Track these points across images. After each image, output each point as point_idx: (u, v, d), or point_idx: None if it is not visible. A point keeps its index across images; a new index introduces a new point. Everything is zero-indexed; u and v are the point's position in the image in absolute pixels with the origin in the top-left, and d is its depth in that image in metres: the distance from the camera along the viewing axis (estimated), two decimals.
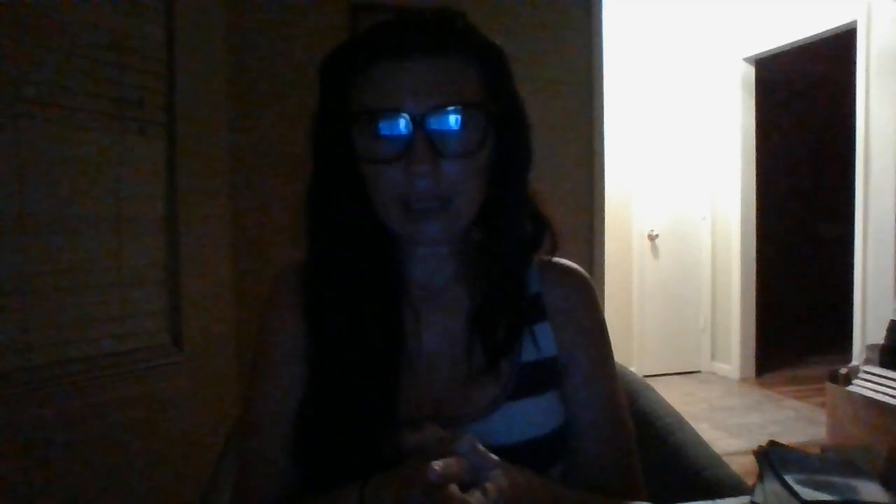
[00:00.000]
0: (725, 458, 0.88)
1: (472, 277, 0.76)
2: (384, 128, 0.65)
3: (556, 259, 0.80)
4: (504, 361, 0.73)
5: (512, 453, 0.63)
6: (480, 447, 0.56)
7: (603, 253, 2.44)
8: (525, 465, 0.63)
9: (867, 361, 3.03)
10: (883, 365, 2.91)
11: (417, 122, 0.64)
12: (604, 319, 0.80)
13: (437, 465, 0.52)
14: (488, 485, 0.55)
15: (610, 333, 0.80)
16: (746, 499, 0.63)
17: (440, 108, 0.65)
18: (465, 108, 0.66)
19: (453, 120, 0.65)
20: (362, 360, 0.69)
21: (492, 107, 0.68)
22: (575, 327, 0.77)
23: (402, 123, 0.64)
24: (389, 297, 0.73)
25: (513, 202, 0.73)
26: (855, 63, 3.50)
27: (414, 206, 0.66)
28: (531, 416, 0.72)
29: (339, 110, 0.69)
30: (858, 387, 2.94)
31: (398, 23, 0.68)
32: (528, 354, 0.75)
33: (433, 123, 0.64)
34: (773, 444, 0.68)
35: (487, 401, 0.71)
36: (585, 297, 0.79)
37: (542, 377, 0.74)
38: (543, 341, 0.76)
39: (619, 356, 0.81)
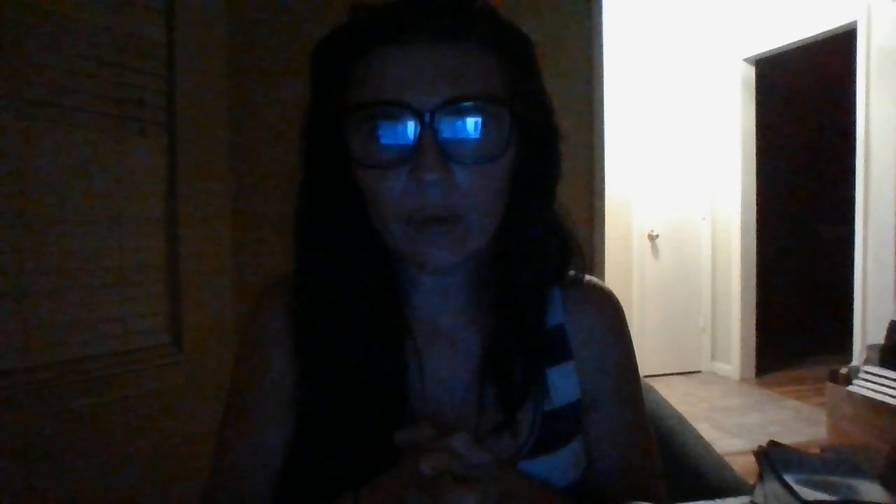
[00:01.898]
0: (725, 458, 0.88)
1: (484, 313, 0.64)
2: (385, 126, 0.54)
3: (580, 279, 0.68)
4: (522, 412, 0.61)
5: None
6: (474, 443, 0.51)
7: (603, 253, 2.44)
8: None
9: (867, 361, 3.03)
10: (883, 365, 2.91)
11: (426, 120, 0.52)
12: (633, 348, 0.70)
13: (430, 457, 0.48)
14: (481, 480, 0.49)
15: None
16: (746, 499, 0.63)
17: (454, 103, 0.53)
18: (484, 104, 0.54)
19: (470, 118, 0.54)
20: (357, 408, 0.59)
21: (515, 104, 0.56)
22: (602, 362, 0.67)
23: (407, 121, 0.53)
24: (389, 335, 0.61)
25: (535, 222, 0.61)
26: (855, 63, 3.50)
27: (419, 224, 0.55)
28: (550, 474, 0.61)
29: (332, 105, 0.57)
30: (858, 387, 2.94)
31: (402, 3, 0.56)
32: (550, 402, 0.63)
33: (445, 121, 0.53)
34: (773, 444, 0.68)
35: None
36: (614, 325, 0.68)
37: (564, 427, 0.64)
38: (566, 385, 0.64)
39: None
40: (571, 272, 0.67)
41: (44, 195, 1.46)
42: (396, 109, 0.53)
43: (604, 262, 2.45)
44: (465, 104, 0.53)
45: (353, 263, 0.61)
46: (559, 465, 0.62)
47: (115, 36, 1.59)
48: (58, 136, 1.48)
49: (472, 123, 0.54)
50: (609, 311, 0.69)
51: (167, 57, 1.70)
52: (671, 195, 4.60)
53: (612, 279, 3.25)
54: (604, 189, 2.43)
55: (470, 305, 0.64)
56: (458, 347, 0.64)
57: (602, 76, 2.37)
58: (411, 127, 0.53)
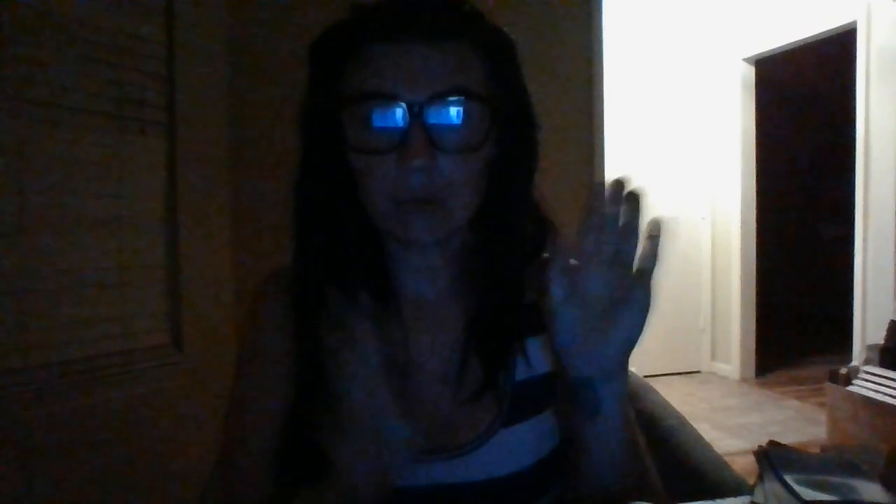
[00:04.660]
0: (725, 458, 0.88)
1: (467, 290, 0.69)
2: (377, 116, 0.59)
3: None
4: (500, 381, 0.66)
5: (510, 483, 0.62)
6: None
7: None
8: (523, 495, 0.62)
9: (867, 361, 3.03)
10: (883, 365, 2.91)
11: (414, 112, 0.58)
12: None
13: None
14: None
15: None
16: (747, 499, 0.63)
17: (440, 98, 0.59)
18: (467, 100, 0.60)
19: (454, 111, 0.60)
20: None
21: (496, 100, 0.62)
22: None
23: (398, 112, 0.59)
24: (378, 311, 0.66)
25: (514, 205, 0.67)
26: (855, 63, 3.50)
27: (404, 204, 0.61)
28: (528, 442, 0.66)
29: (329, 94, 0.63)
30: (858, 387, 2.94)
31: (397, 3, 0.61)
32: (522, 373, 0.68)
33: (431, 114, 0.59)
34: (773, 444, 0.68)
35: (482, 428, 0.65)
36: None
37: (537, 397, 0.68)
38: (538, 358, 0.69)
39: None
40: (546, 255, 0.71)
41: (44, 195, 1.46)
42: (389, 101, 0.59)
43: None
44: (450, 99, 0.59)
45: (347, 245, 0.66)
46: (535, 434, 0.67)
47: (115, 36, 1.58)
48: (58, 136, 1.48)
49: (455, 116, 0.60)
50: None
51: (167, 57, 1.70)
52: (671, 195, 4.60)
53: None
54: None
55: (454, 284, 0.70)
56: (443, 322, 0.69)
57: (602, 76, 2.37)
58: (402, 118, 0.58)
